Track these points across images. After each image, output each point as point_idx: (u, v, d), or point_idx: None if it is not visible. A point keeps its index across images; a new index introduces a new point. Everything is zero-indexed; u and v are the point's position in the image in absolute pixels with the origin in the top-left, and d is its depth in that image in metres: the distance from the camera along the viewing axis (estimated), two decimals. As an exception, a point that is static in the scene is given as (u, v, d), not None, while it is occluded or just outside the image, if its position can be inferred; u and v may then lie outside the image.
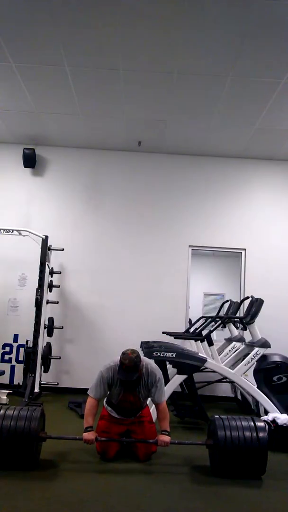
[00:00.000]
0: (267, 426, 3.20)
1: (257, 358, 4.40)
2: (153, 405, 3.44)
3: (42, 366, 5.50)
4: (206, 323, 4.91)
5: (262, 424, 3.10)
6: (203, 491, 2.81)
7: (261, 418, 3.87)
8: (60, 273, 5.92)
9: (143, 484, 2.88)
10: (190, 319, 6.05)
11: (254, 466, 2.98)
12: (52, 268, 5.79)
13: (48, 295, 5.66)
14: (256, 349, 4.42)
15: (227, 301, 5.72)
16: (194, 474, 3.07)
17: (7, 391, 4.98)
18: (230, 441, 2.97)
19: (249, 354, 4.48)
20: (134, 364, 3.02)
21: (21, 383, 5.35)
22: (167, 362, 4.33)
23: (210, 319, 4.98)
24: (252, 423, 3.08)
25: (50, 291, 5.77)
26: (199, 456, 3.32)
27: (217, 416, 3.18)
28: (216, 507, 2.60)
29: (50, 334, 5.65)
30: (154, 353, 4.09)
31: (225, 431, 3.02)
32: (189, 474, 3.07)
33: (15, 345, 5.83)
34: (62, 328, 5.78)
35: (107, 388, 3.21)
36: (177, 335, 5.09)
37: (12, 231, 5.47)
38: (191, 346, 4.88)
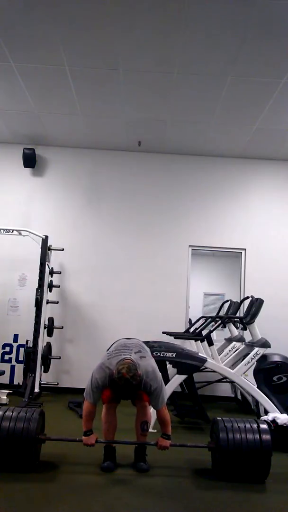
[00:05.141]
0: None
1: (257, 358, 4.40)
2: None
3: (42, 366, 5.50)
4: (206, 323, 4.91)
5: (265, 426, 3.05)
6: (204, 494, 2.79)
7: (261, 418, 3.87)
8: (60, 273, 5.92)
9: (143, 486, 2.87)
10: (190, 319, 6.05)
11: (257, 470, 2.94)
12: (52, 268, 5.79)
13: (48, 295, 5.66)
14: (256, 349, 4.42)
15: (227, 301, 5.72)
16: (196, 477, 3.06)
17: (7, 391, 4.98)
18: (233, 443, 2.92)
19: (249, 354, 4.47)
20: (129, 386, 2.83)
21: (21, 383, 5.35)
22: (167, 362, 4.33)
23: (210, 319, 4.98)
24: (256, 426, 3.03)
25: (50, 291, 5.77)
26: (201, 459, 3.30)
27: (220, 418, 3.13)
28: (217, 511, 2.59)
29: (50, 334, 5.65)
30: (154, 353, 4.08)
31: (227, 433, 2.97)
32: (191, 477, 3.06)
33: (15, 345, 5.83)
34: (62, 328, 5.78)
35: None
36: (177, 335, 5.09)
37: (12, 231, 5.47)
38: (191, 346, 4.88)
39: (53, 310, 5.79)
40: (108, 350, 3.32)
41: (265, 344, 4.43)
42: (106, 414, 3.19)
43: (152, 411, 3.48)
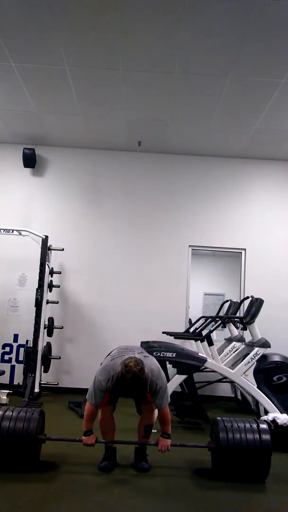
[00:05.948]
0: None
1: (257, 358, 4.40)
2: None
3: (42, 366, 5.50)
4: (206, 323, 4.91)
5: (265, 426, 3.06)
6: (204, 494, 2.80)
7: (261, 418, 3.87)
8: (60, 273, 5.92)
9: (143, 486, 2.87)
10: (190, 319, 6.05)
11: (257, 469, 2.95)
12: (52, 268, 5.79)
13: (48, 295, 5.66)
14: (256, 349, 4.42)
15: (227, 301, 5.72)
16: (196, 477, 3.06)
17: (7, 391, 4.98)
18: (233, 443, 2.93)
19: (249, 354, 4.47)
20: (137, 379, 2.80)
21: (21, 383, 5.34)
22: (167, 362, 4.33)
23: (210, 319, 4.98)
24: (256, 425, 3.03)
25: (50, 291, 5.77)
26: (201, 459, 3.30)
27: (220, 418, 3.13)
28: (217, 510, 2.59)
29: (50, 334, 5.65)
30: (154, 353, 4.08)
31: (227, 433, 2.98)
32: (191, 477, 3.06)
33: (15, 345, 5.83)
34: (62, 328, 5.78)
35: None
36: (177, 335, 5.09)
37: (12, 231, 5.47)
38: (191, 346, 4.88)
39: (53, 310, 5.79)
40: (109, 354, 3.30)
41: (265, 344, 4.43)
42: (102, 419, 3.16)
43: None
